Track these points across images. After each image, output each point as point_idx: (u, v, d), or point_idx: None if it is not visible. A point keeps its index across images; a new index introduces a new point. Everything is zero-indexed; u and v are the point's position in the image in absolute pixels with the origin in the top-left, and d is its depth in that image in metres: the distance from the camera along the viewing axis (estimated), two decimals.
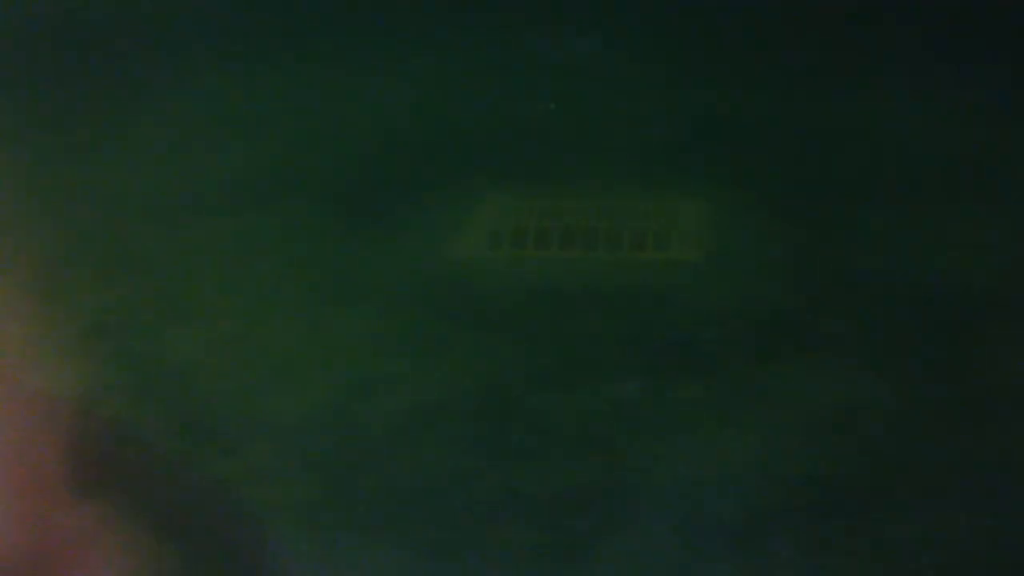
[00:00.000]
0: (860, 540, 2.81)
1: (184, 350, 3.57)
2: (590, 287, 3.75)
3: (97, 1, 5.67)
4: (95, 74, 5.30)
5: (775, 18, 5.09)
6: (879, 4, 5.06)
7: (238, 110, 4.97)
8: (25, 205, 4.34)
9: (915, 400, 3.18)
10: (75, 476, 3.07)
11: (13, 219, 4.23)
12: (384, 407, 3.30)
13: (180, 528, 2.93)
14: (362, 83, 5.12)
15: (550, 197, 4.19)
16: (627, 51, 5.13)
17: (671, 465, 3.06)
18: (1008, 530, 2.80)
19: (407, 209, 4.21)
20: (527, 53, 5.14)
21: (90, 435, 3.27)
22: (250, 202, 4.32)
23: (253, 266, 3.97)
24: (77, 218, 4.28)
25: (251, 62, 5.30)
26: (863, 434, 3.09)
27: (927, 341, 3.42)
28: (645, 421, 3.20)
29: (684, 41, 5.10)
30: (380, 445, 3.18)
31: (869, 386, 3.24)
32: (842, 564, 2.76)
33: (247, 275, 3.93)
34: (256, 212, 4.26)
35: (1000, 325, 3.45)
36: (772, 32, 5.09)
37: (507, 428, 3.21)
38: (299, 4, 5.55)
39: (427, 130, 4.72)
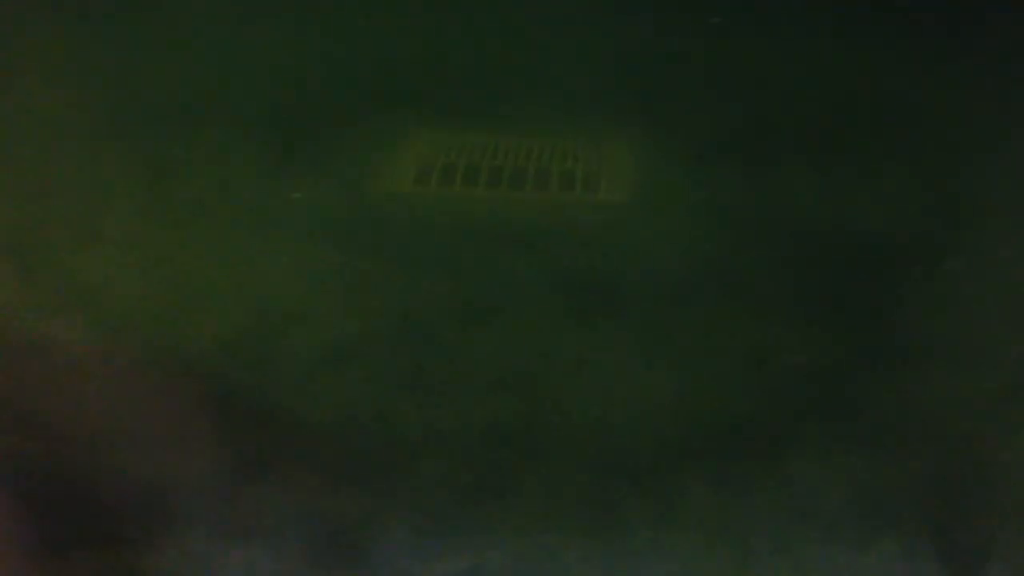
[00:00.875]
0: (770, 481, 2.85)
1: (97, 274, 3.49)
2: (516, 226, 3.72)
3: None
4: None
5: None
6: None
7: (162, 35, 4.82)
8: None
9: (832, 348, 3.22)
10: None
11: None
12: (302, 340, 3.26)
13: (87, 451, 2.88)
14: (293, 11, 5.00)
15: (479, 135, 4.14)
16: None
17: (590, 402, 3.07)
18: (915, 473, 2.85)
19: (334, 142, 4.13)
20: None
21: None
22: (172, 128, 4.20)
23: (172, 193, 3.88)
24: None
25: None
26: (780, 379, 3.13)
27: (849, 290, 3.46)
28: (566, 359, 3.20)
29: None
30: (297, 378, 3.15)
31: (788, 332, 3.28)
32: (752, 502, 2.80)
33: (165, 202, 3.84)
34: (177, 139, 4.15)
35: (921, 276, 3.49)
36: None
37: (427, 364, 3.20)
38: None
39: (357, 63, 4.62)
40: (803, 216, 3.74)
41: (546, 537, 2.77)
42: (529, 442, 2.98)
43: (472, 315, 3.37)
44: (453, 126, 4.16)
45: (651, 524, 2.79)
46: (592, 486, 2.88)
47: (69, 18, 4.94)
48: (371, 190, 3.87)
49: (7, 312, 3.33)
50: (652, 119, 4.20)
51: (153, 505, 2.71)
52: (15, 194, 3.84)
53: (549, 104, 4.28)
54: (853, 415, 2.98)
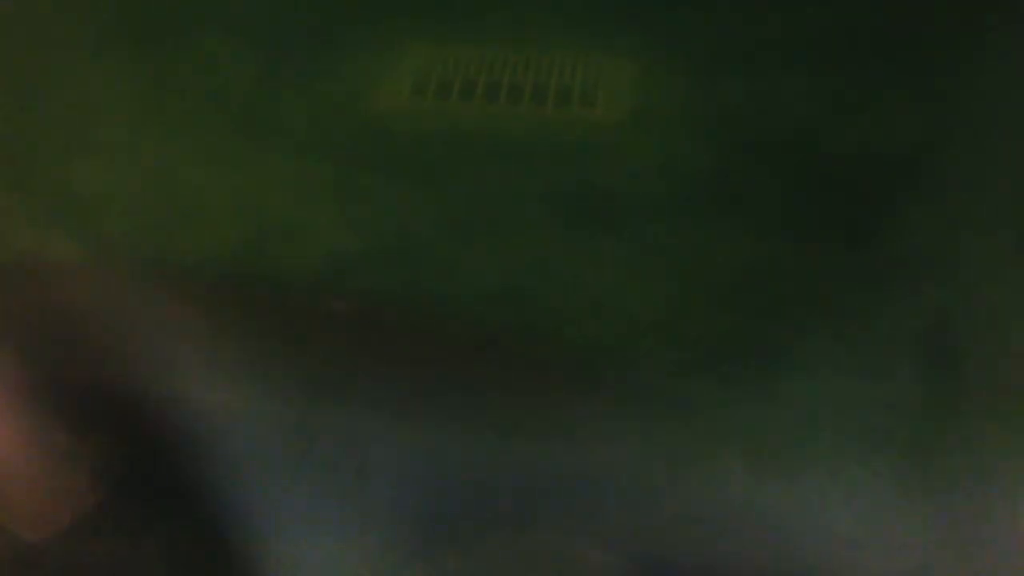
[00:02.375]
0: (756, 396, 2.88)
1: (90, 183, 3.49)
2: (513, 141, 3.71)
3: None
4: None
5: None
6: None
7: None
8: None
9: (822, 263, 3.23)
10: None
11: None
12: (297, 253, 3.27)
13: (84, 359, 2.90)
14: None
15: (476, 48, 4.11)
16: None
17: (584, 317, 3.09)
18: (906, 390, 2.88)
19: (329, 54, 4.10)
20: None
21: None
22: (164, 39, 4.18)
23: (165, 105, 3.86)
24: None
25: None
26: (770, 293, 3.14)
27: (841, 207, 3.46)
28: (562, 275, 3.21)
29: None
30: (291, 289, 3.16)
31: (785, 248, 3.28)
32: (738, 413, 2.83)
33: (160, 113, 3.82)
34: (169, 49, 4.12)
35: (911, 194, 3.50)
36: None
37: (423, 278, 3.20)
38: None
39: None
40: (802, 132, 3.73)
41: (537, 450, 2.80)
42: (520, 347, 3.00)
43: (468, 230, 3.36)
44: (450, 39, 4.13)
45: (643, 432, 2.82)
46: (585, 400, 2.90)
47: None
48: (367, 103, 3.85)
49: (2, 222, 3.34)
50: (651, 34, 4.16)
51: (146, 415, 2.73)
52: (9, 105, 3.83)
53: (547, 18, 4.24)
54: (846, 330, 3.01)
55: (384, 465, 2.73)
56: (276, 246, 3.29)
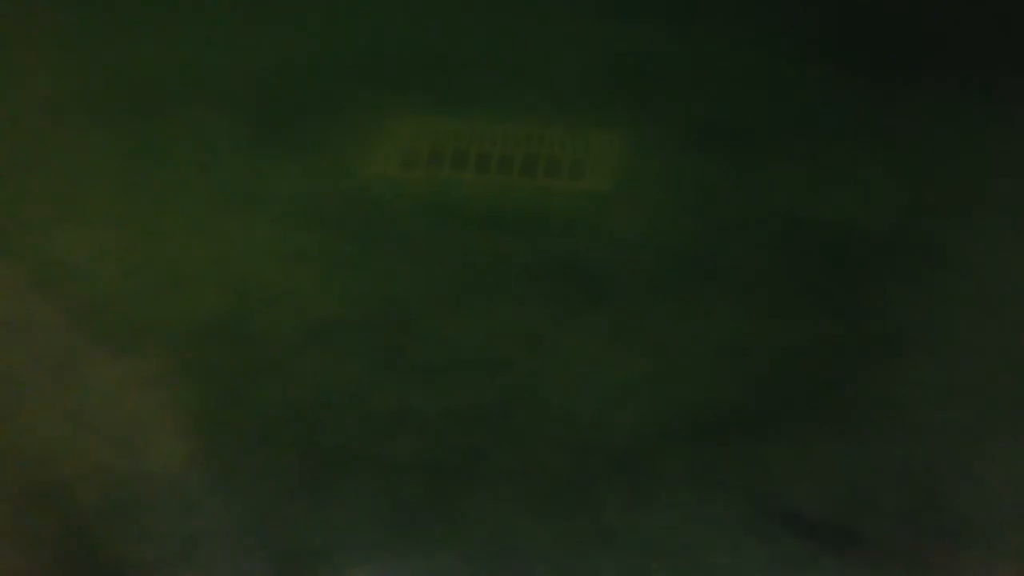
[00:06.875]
0: (740, 466, 2.85)
1: (76, 252, 3.52)
2: (503, 211, 3.73)
3: None
4: None
5: None
6: None
7: (142, 12, 4.83)
8: None
9: (810, 337, 3.22)
10: None
11: None
12: (282, 320, 3.28)
13: (64, 431, 2.90)
14: None
15: (467, 120, 4.16)
16: None
17: (565, 387, 3.08)
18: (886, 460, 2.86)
19: (321, 124, 4.15)
20: None
21: None
22: (153, 107, 4.24)
23: (153, 173, 3.91)
24: None
25: None
26: (757, 367, 3.13)
27: (828, 279, 3.46)
28: (545, 344, 3.21)
29: None
30: (276, 356, 3.16)
31: (767, 321, 3.28)
32: (724, 490, 2.80)
33: (147, 182, 3.87)
34: (159, 118, 4.18)
35: (898, 266, 3.50)
36: None
37: (406, 345, 3.21)
38: None
39: (344, 46, 4.63)
40: (784, 208, 3.75)
41: (519, 519, 2.78)
42: (504, 422, 2.99)
43: (454, 298, 3.37)
44: (442, 111, 4.18)
45: (623, 504, 2.79)
46: (567, 468, 2.88)
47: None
48: (358, 173, 3.89)
49: None
50: (639, 110, 4.21)
51: (125, 494, 2.70)
52: None
53: (538, 92, 4.30)
54: (829, 401, 2.99)
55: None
56: (259, 314, 3.30)
